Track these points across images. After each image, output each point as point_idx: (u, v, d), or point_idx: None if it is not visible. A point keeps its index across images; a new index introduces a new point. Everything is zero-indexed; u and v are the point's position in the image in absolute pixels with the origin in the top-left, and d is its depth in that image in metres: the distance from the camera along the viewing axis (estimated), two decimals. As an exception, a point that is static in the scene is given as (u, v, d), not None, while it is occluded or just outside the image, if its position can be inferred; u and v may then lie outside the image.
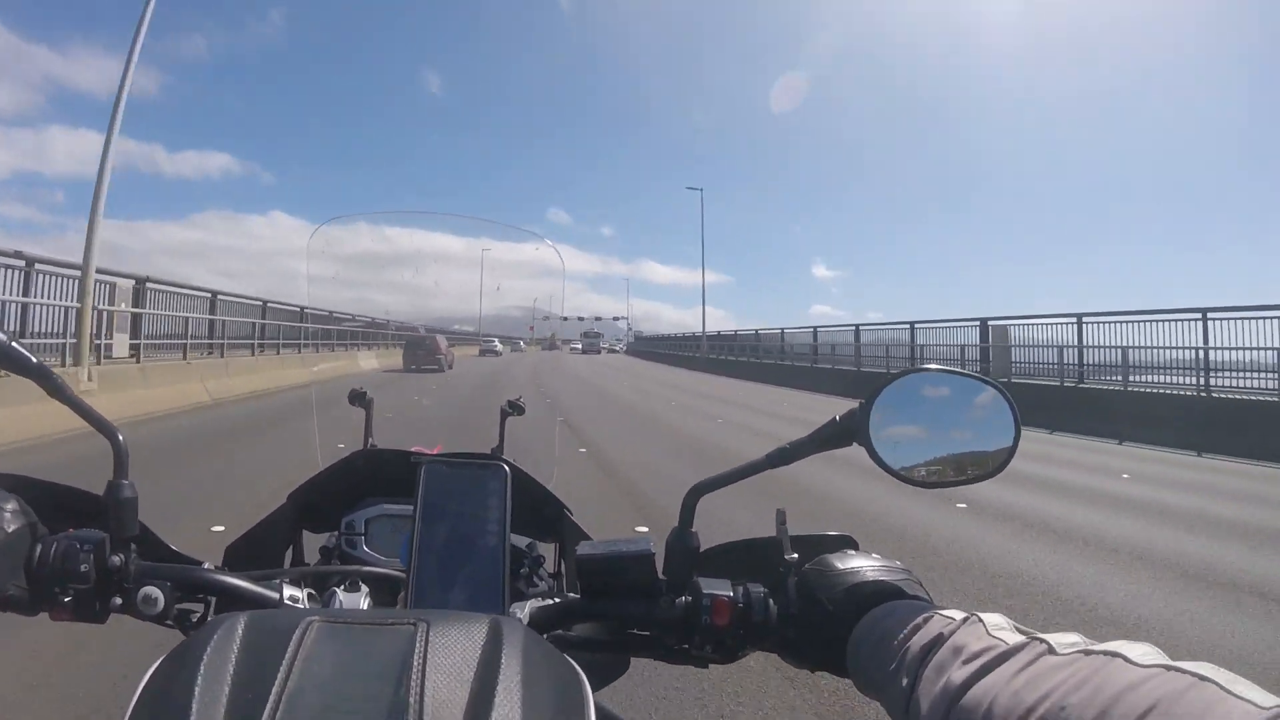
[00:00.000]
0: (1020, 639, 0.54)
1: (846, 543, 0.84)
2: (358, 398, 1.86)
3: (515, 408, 1.84)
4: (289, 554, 1.38)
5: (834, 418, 0.78)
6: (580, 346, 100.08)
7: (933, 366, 0.80)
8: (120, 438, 0.81)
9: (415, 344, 30.04)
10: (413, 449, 1.53)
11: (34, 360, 0.79)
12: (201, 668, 0.52)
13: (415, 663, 0.53)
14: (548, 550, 1.32)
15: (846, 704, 3.19)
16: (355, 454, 1.50)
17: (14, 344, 0.78)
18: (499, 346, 59.36)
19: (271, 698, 0.50)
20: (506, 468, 0.89)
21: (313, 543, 1.45)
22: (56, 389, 0.81)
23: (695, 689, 3.28)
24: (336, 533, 1.42)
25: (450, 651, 0.55)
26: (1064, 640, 0.51)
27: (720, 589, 0.80)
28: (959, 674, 0.53)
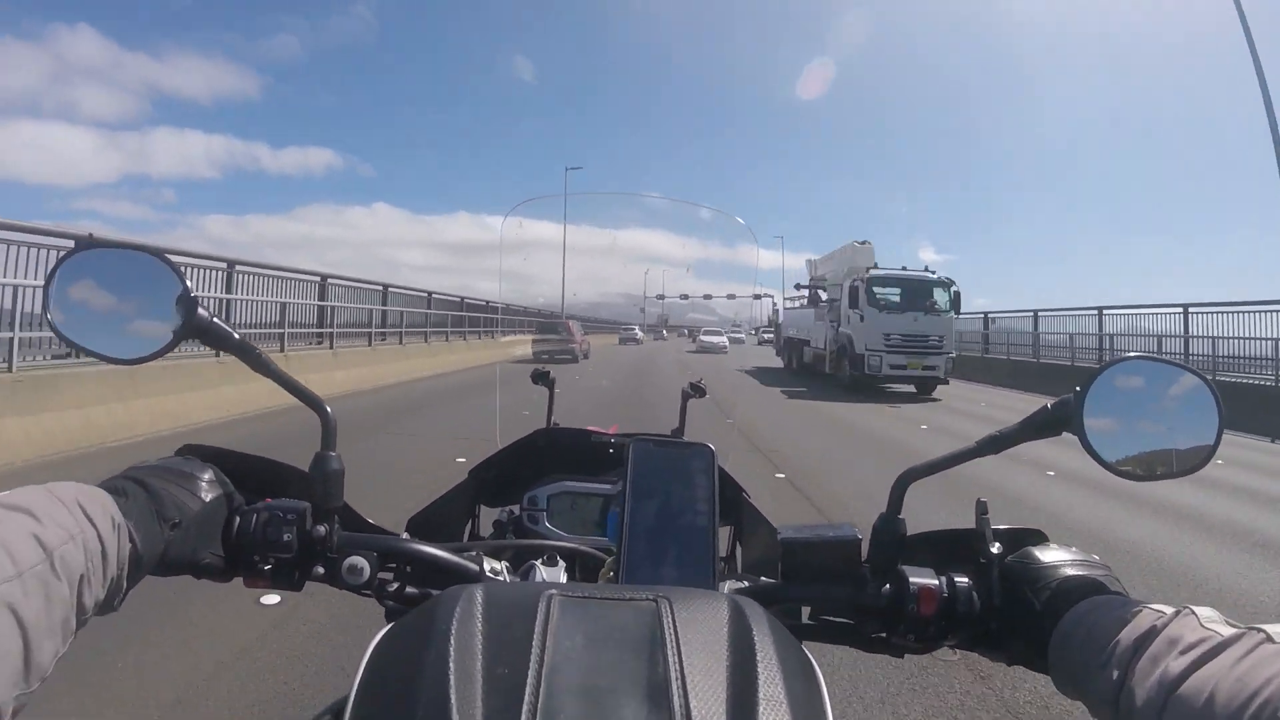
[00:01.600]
0: (1236, 630, 0.51)
1: (1039, 536, 0.77)
2: (541, 377, 1.83)
3: (697, 390, 1.77)
4: (468, 527, 1.35)
5: (1045, 405, 0.72)
6: (710, 341, 35.50)
7: (1138, 354, 0.73)
8: (328, 410, 0.77)
9: (545, 330, 25.37)
10: (590, 429, 1.51)
11: (236, 336, 0.75)
12: (452, 639, 0.50)
13: (668, 638, 0.51)
14: (720, 534, 1.27)
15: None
16: (537, 432, 1.48)
17: (215, 320, 0.74)
18: (639, 334, 50.77)
19: (531, 671, 0.47)
20: (713, 449, 0.84)
21: (487, 517, 1.43)
22: (261, 364, 0.77)
23: (852, 676, 3.09)
24: (514, 507, 1.40)
25: (699, 628, 0.52)
26: None
27: (926, 578, 0.74)
28: (1176, 664, 0.50)
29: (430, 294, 22.61)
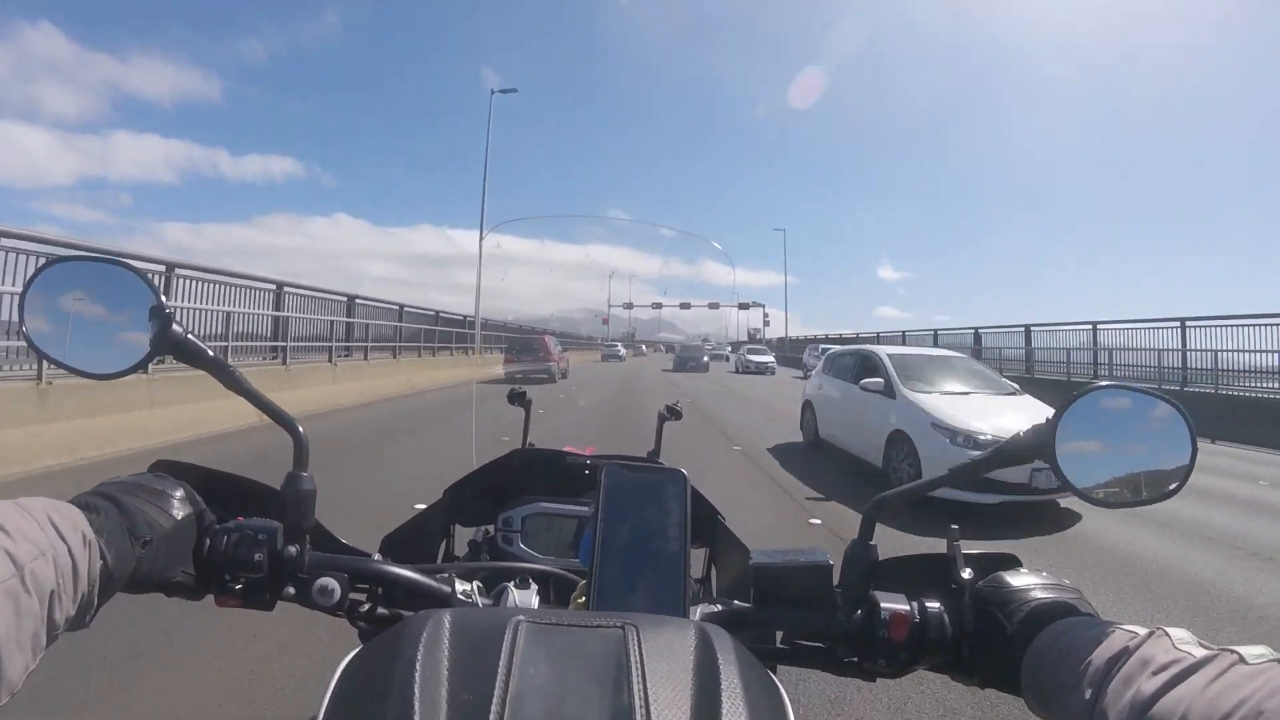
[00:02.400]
0: (1209, 651, 0.52)
1: (1012, 560, 0.80)
2: (517, 398, 1.86)
3: (673, 412, 1.79)
4: (442, 547, 1.37)
5: (1018, 433, 0.75)
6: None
7: (1110, 384, 0.75)
8: (300, 430, 0.79)
9: (518, 347, 23.23)
10: (566, 449, 1.53)
11: (210, 353, 0.77)
12: (418, 665, 0.50)
13: (633, 667, 0.52)
14: (695, 556, 1.26)
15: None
16: (513, 452, 1.50)
17: (189, 336, 0.76)
18: (622, 351, 50.23)
19: (495, 699, 0.48)
20: (685, 474, 0.86)
21: (462, 537, 1.45)
22: (234, 381, 0.79)
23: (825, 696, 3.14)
24: (490, 528, 1.41)
25: (664, 656, 0.53)
26: (1253, 651, 0.50)
27: (897, 603, 0.77)
28: (1149, 685, 0.51)
29: (352, 298, 18.33)
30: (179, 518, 0.72)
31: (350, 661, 0.58)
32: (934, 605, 0.77)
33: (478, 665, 0.51)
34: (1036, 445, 0.72)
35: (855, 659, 0.78)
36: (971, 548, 0.80)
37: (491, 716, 0.47)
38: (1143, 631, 0.58)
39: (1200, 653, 0.52)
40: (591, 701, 0.49)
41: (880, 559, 0.80)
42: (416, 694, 0.48)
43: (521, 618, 0.57)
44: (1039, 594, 0.71)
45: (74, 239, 8.40)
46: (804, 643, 0.81)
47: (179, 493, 0.75)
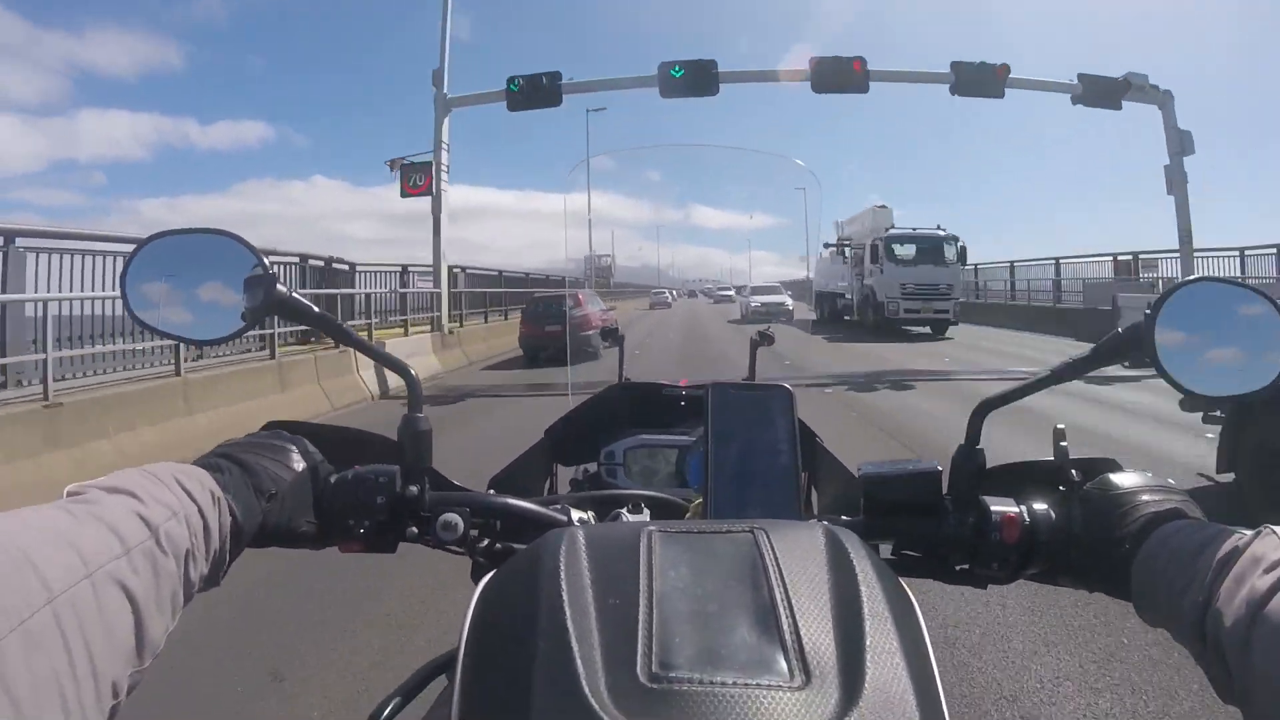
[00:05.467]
0: None
1: (1114, 464, 0.73)
2: (609, 334, 1.86)
3: (765, 338, 1.72)
4: (545, 487, 1.32)
5: (1116, 330, 0.69)
6: None
7: (1201, 277, 0.71)
8: (413, 372, 0.76)
9: (537, 311, 14.55)
10: (662, 382, 1.48)
11: (315, 310, 0.74)
12: (562, 574, 0.48)
13: (770, 565, 0.49)
14: None
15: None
16: (610, 388, 1.46)
17: (294, 294, 0.72)
18: (669, 297, 44.13)
19: (642, 602, 0.46)
20: (790, 389, 0.82)
21: (564, 478, 1.41)
22: (342, 334, 0.76)
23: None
24: (590, 465, 1.38)
25: (797, 555, 0.51)
26: None
27: (1007, 507, 0.70)
28: (1263, 582, 0.47)
29: (462, 269, 17.07)
30: (299, 470, 0.70)
31: (486, 585, 0.55)
32: (1043, 508, 0.71)
33: (618, 572, 0.49)
34: (1135, 341, 0.67)
35: (967, 566, 0.73)
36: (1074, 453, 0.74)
37: (640, 616, 0.45)
38: (1249, 533, 0.54)
39: None
40: (734, 599, 0.47)
41: (988, 466, 0.74)
42: (565, 599, 0.46)
43: (653, 527, 0.54)
44: (1146, 497, 0.65)
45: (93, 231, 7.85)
46: (913, 553, 0.76)
47: (296, 447, 0.72)
